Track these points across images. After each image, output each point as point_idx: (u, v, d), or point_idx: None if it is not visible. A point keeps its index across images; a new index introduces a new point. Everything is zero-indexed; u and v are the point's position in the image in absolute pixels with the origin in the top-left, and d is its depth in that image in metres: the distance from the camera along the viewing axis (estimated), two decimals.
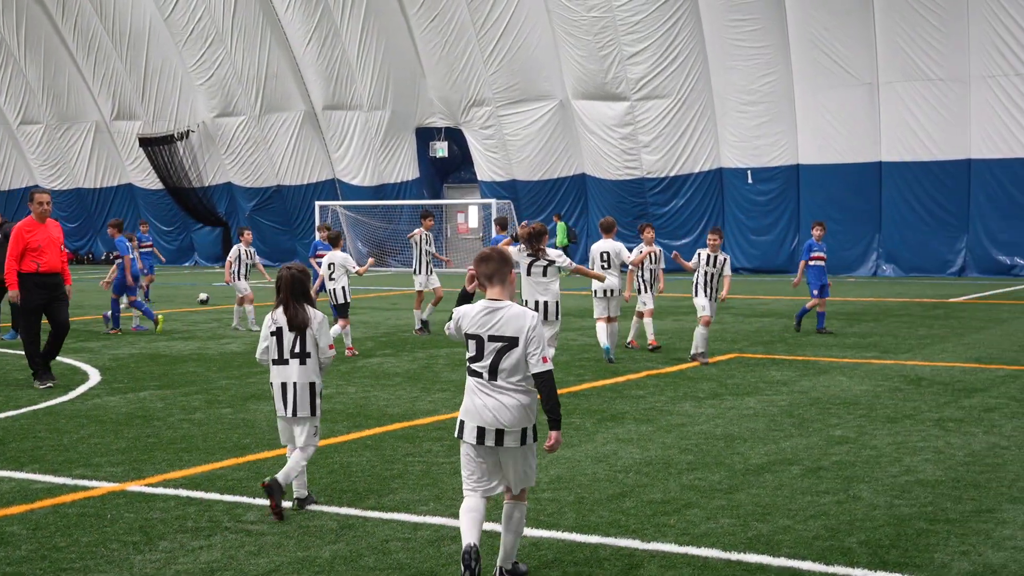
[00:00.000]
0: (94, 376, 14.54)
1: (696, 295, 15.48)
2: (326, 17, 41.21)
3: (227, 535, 7.24)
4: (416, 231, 19.84)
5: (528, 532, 7.22)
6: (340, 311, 17.01)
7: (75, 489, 8.45)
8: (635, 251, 16.95)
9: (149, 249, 27.85)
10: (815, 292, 19.11)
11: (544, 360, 6.25)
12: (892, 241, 35.46)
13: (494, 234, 19.16)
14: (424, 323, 19.30)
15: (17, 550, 6.95)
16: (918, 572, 6.46)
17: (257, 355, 8.16)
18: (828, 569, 6.51)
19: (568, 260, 13.84)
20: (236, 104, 44.30)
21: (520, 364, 6.26)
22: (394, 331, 19.89)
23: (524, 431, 6.33)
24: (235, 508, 7.88)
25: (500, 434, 6.27)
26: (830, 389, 13.00)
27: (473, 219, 43.71)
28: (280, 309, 7.98)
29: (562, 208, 39.90)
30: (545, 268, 13.20)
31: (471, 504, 6.32)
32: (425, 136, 43.55)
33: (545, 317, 12.96)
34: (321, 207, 43.63)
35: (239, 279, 20.54)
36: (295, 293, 7.94)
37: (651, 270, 17.10)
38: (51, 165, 49.97)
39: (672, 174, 38.02)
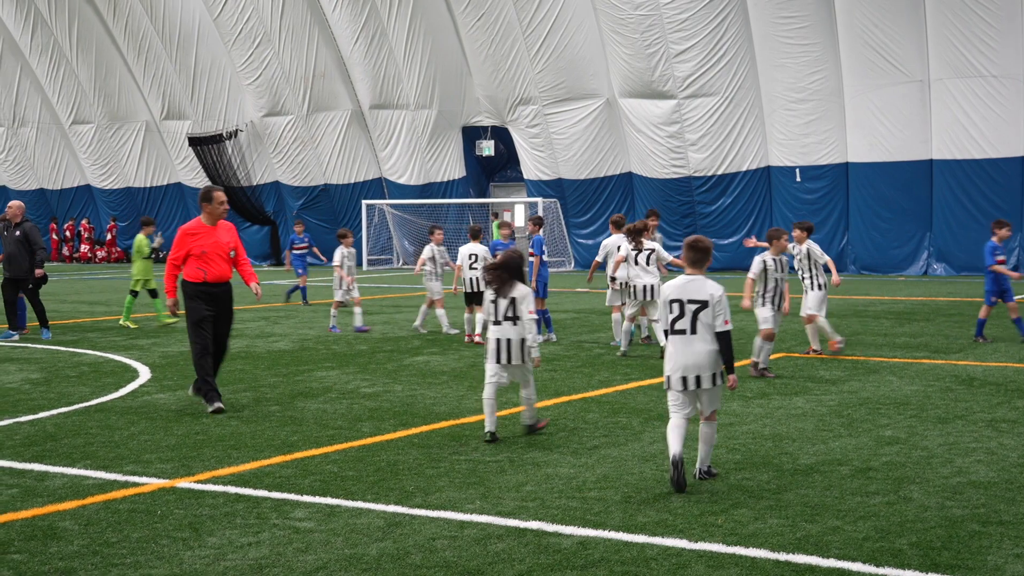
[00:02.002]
0: (144, 373, 14.67)
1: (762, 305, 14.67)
2: (373, 17, 41.39)
3: (275, 532, 7.28)
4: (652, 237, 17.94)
5: (575, 531, 7.22)
6: (477, 299, 17.68)
7: (126, 485, 8.53)
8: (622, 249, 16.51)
9: (304, 250, 26.98)
10: (992, 300, 17.34)
11: (726, 323, 8.37)
12: (943, 240, 35.05)
13: (529, 234, 18.95)
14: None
15: (69, 545, 7.02)
16: (970, 575, 6.38)
17: (483, 317, 10.80)
18: (878, 571, 6.44)
19: (665, 253, 16.44)
20: (284, 104, 44.58)
21: (710, 322, 8.34)
22: (440, 329, 19.87)
23: (714, 375, 8.40)
24: (283, 505, 7.92)
25: (698, 379, 8.37)
26: (880, 389, 12.88)
27: (519, 217, 43.71)
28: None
29: (609, 206, 39.79)
30: (648, 256, 15.91)
31: (676, 422, 8.41)
32: (471, 135, 43.62)
33: (652, 296, 15.69)
34: (368, 206, 43.83)
35: (433, 280, 19.42)
36: (509, 270, 10.31)
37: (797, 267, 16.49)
38: (102, 164, 50.55)
39: (719, 172, 37.84)
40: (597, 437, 10.27)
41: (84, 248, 51.62)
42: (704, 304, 8.34)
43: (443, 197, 43.53)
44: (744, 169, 37.58)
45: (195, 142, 46.66)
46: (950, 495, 8.04)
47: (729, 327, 8.36)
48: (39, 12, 47.67)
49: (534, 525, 7.38)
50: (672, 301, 8.47)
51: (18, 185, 53.08)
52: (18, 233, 19.19)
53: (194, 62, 45.83)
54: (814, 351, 16.11)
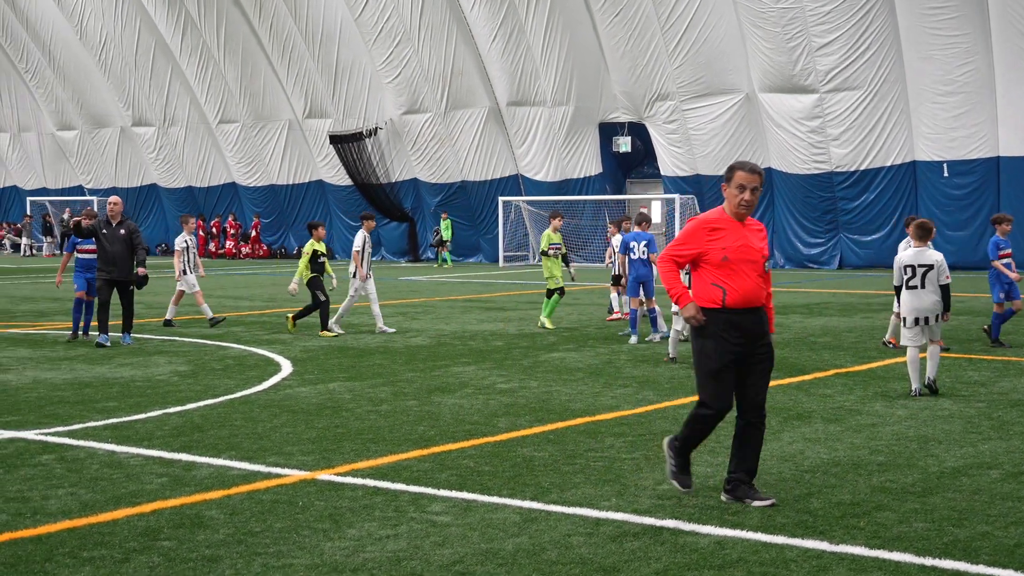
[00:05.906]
0: (286, 367, 14.98)
1: None
2: (511, 14, 41.57)
3: (413, 525, 7.35)
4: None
5: (712, 530, 7.13)
6: (615, 280, 20.13)
7: (268, 476, 8.71)
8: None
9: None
10: None
11: (947, 278, 12.00)
12: None
13: (633, 230, 18.39)
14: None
15: (215, 534, 7.20)
16: None
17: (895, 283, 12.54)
18: None
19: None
20: (422, 101, 45.08)
21: (935, 279, 12.00)
22: (577, 326, 19.89)
23: (938, 316, 12.06)
24: (420, 499, 8.00)
25: (927, 319, 12.05)
26: None
27: (656, 214, 43.44)
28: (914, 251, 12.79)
29: None
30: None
31: (912, 356, 12.17)
32: (608, 131, 43.50)
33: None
34: (504, 203, 44.05)
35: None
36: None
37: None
38: (247, 162, 51.82)
39: (863, 168, 37.03)
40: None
41: (229, 244, 52.99)
42: (931, 267, 11.97)
43: (579, 194, 43.48)
44: (888, 164, 36.69)
45: (336, 140, 47.50)
46: None
47: (950, 280, 11.99)
48: (189, 15, 49.09)
49: (670, 524, 7.31)
50: (907, 266, 12.08)
51: (168, 183, 54.78)
52: (122, 232, 17.50)
53: (335, 61, 46.65)
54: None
